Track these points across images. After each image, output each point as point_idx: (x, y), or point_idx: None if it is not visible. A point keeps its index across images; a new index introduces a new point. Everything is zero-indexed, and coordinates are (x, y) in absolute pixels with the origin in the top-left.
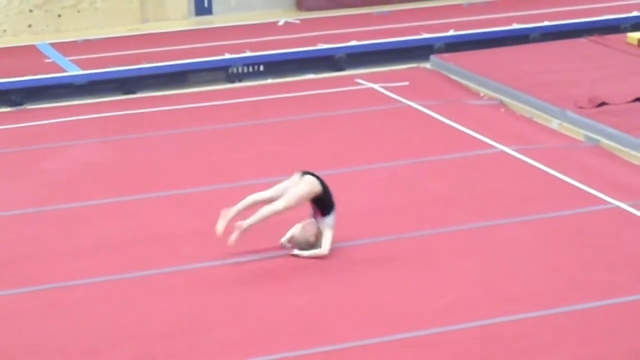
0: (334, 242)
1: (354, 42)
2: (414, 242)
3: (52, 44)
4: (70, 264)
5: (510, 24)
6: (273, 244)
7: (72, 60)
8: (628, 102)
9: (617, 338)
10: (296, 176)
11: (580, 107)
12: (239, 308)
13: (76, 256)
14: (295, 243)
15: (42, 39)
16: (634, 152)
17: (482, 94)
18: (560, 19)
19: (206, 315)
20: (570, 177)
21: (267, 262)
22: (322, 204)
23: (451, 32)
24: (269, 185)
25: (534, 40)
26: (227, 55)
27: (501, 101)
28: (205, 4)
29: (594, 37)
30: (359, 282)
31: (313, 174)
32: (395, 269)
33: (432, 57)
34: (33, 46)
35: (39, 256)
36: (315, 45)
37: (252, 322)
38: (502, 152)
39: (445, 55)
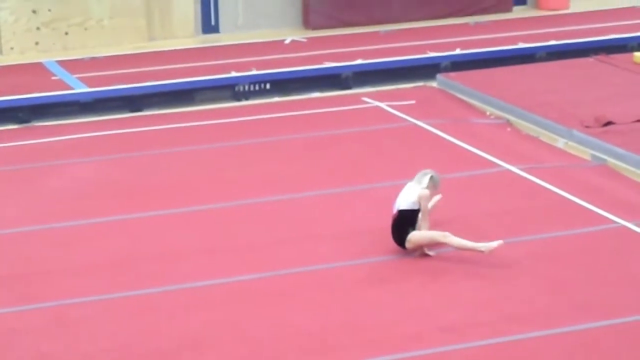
0: (339, 260)
1: (360, 61)
2: (417, 262)
3: (59, 62)
4: (73, 282)
5: (517, 43)
6: (277, 263)
7: (78, 78)
8: (634, 121)
9: (621, 358)
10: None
11: (587, 127)
12: (242, 326)
13: (79, 274)
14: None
15: (49, 57)
16: (639, 172)
17: (488, 113)
18: (566, 38)
19: (210, 333)
20: (576, 196)
21: (270, 281)
22: None
23: (457, 51)
24: (273, 205)
25: (540, 60)
26: (234, 74)
27: (507, 120)
28: (212, 22)
29: (601, 57)
30: (362, 301)
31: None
32: (398, 288)
33: (439, 76)
34: (40, 64)
35: (41, 274)
36: (322, 63)
37: (256, 340)
38: (508, 171)
39: (452, 74)
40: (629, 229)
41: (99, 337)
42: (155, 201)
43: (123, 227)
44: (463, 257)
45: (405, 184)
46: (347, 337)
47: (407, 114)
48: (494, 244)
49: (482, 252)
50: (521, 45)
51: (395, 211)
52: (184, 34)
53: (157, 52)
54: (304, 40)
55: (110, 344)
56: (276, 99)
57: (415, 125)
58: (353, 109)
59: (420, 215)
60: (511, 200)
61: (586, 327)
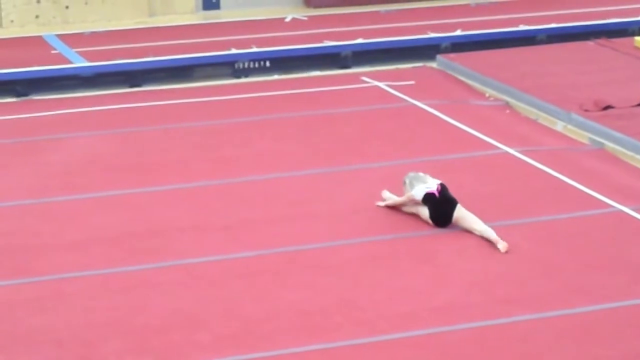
0: (333, 239)
1: (360, 40)
2: (413, 242)
3: (59, 36)
4: (68, 256)
5: (517, 25)
6: (272, 241)
7: (78, 52)
8: (633, 105)
9: (614, 342)
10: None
11: (586, 110)
12: (235, 304)
13: (73, 248)
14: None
15: (49, 30)
16: (638, 156)
17: (487, 95)
18: (567, 21)
19: (201, 310)
20: (573, 179)
21: (264, 258)
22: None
23: (458, 32)
24: (270, 183)
25: (541, 42)
26: (234, 50)
27: (507, 102)
28: None
29: (601, 40)
30: (356, 281)
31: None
32: (392, 268)
33: (439, 56)
34: (40, 37)
35: (36, 247)
36: (322, 42)
37: (247, 318)
38: (506, 153)
39: (452, 55)
40: (625, 213)
41: (91, 312)
42: (151, 177)
43: (119, 202)
44: (457, 238)
45: (402, 164)
46: (340, 316)
47: (406, 94)
48: (500, 244)
49: (490, 241)
50: (522, 27)
51: (436, 186)
52: (184, 9)
53: (157, 28)
54: (305, 18)
55: (103, 319)
56: (275, 76)
57: (414, 105)
58: (352, 88)
59: None
60: (508, 183)
61: (579, 310)
